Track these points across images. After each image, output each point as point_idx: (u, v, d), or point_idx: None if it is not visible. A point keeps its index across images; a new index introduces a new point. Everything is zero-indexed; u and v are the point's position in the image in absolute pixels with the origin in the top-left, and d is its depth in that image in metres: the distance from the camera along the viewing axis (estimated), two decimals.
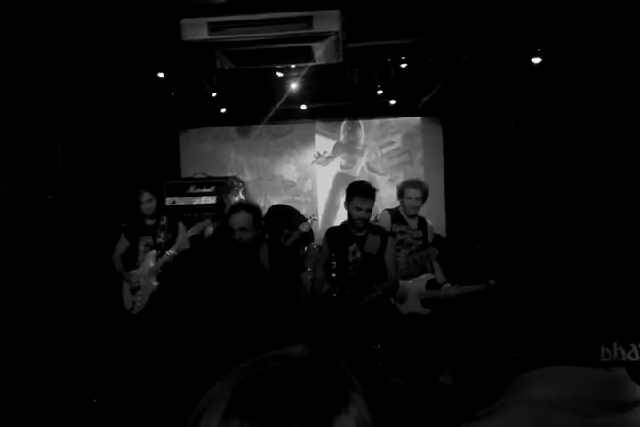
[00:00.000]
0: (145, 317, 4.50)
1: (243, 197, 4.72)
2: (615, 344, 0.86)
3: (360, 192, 3.78)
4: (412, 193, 4.30)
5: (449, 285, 4.30)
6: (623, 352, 0.84)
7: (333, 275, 4.21)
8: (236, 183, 4.79)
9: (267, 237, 4.34)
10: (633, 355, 0.84)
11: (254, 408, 0.59)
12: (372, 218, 4.47)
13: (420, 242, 4.39)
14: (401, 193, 4.37)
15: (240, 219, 3.21)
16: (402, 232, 4.35)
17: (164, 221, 4.75)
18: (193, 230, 4.67)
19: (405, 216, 4.39)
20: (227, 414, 0.60)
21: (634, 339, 0.83)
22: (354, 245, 3.93)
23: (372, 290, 3.88)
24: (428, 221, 4.54)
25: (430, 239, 4.50)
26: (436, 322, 4.24)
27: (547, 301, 0.91)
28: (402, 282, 4.17)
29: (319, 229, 6.48)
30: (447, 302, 4.22)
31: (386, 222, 4.36)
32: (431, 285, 4.28)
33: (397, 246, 4.25)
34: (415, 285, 4.21)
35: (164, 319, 1.16)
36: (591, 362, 0.85)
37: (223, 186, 4.83)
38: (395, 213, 4.42)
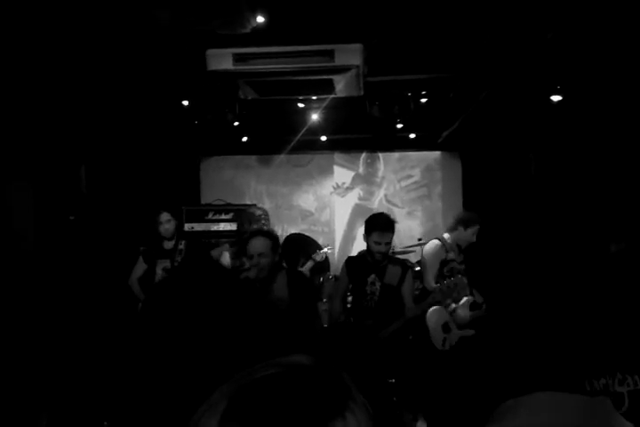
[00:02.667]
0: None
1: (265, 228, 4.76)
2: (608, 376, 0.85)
3: (379, 226, 3.76)
4: (476, 230, 4.36)
5: None
6: (611, 382, 0.84)
7: (348, 306, 4.18)
8: (261, 213, 4.82)
9: (284, 264, 4.36)
10: (628, 384, 0.83)
11: (249, 413, 0.59)
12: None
13: (462, 266, 4.44)
14: (468, 224, 4.38)
15: (259, 244, 3.27)
16: (452, 260, 4.36)
17: (182, 246, 4.78)
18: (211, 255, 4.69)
19: (454, 244, 4.41)
20: (223, 419, 0.60)
21: (628, 370, 0.83)
22: (372, 276, 3.90)
23: (393, 322, 3.86)
24: None
25: None
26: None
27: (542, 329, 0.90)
28: (452, 308, 4.16)
29: (335, 259, 6.47)
30: None
31: (436, 250, 4.36)
32: (474, 306, 4.26)
33: (448, 273, 4.29)
34: (462, 310, 4.19)
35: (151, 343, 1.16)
36: (576, 390, 0.83)
37: (247, 214, 4.85)
38: (445, 242, 4.43)
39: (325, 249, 5.39)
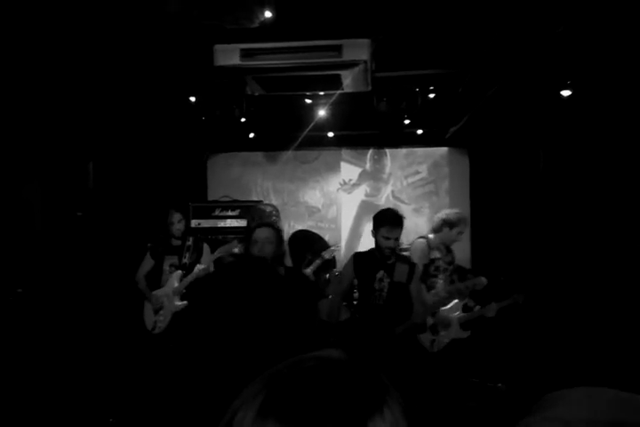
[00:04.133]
0: (167, 337, 4.50)
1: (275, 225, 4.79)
2: None
3: (388, 221, 3.74)
4: (463, 228, 4.37)
5: (479, 307, 4.29)
6: None
7: (354, 302, 4.17)
8: (272, 210, 4.82)
9: (289, 263, 4.35)
10: None
11: (288, 407, 0.58)
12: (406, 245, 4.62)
13: (451, 266, 4.42)
14: (453, 225, 4.38)
15: (264, 232, 3.43)
16: (438, 258, 4.36)
17: (189, 242, 4.78)
18: (219, 252, 4.66)
19: (440, 244, 4.40)
20: (261, 411, 0.59)
21: None
22: (381, 273, 3.86)
23: (406, 319, 3.87)
24: None
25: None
26: (478, 343, 4.24)
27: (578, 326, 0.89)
28: (440, 310, 4.21)
29: (342, 256, 6.45)
30: (486, 320, 4.24)
31: (422, 249, 4.34)
32: (467, 308, 4.28)
33: (435, 272, 4.31)
34: (453, 310, 4.20)
35: (192, 339, 1.16)
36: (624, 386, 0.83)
37: (257, 210, 4.84)
38: (429, 241, 4.42)
39: (334, 247, 5.38)
